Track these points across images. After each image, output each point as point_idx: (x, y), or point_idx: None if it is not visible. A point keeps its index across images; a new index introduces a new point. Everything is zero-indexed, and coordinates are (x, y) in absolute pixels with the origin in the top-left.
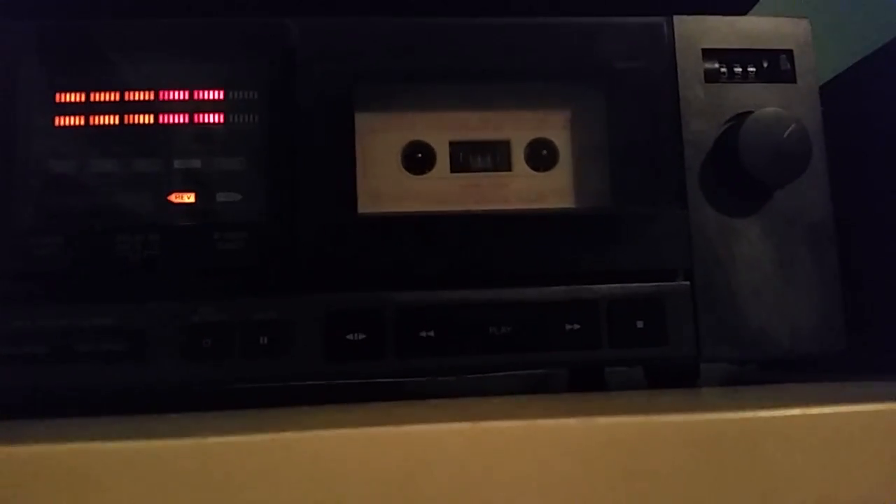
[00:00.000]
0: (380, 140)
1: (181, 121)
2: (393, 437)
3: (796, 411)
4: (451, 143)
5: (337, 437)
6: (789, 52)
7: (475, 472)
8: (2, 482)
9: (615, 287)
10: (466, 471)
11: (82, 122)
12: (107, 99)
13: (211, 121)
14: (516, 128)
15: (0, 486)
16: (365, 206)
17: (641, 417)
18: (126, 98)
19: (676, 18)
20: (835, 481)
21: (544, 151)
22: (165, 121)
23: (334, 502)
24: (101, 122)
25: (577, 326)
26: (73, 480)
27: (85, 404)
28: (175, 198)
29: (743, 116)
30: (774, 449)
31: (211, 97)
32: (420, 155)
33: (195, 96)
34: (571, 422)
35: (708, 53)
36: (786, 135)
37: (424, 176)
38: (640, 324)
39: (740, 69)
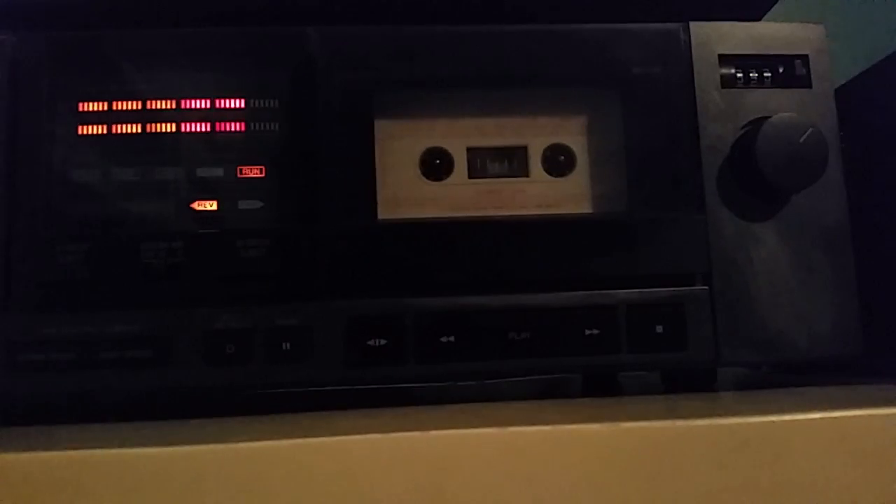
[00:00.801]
0: (399, 146)
1: (203, 129)
2: (421, 443)
3: (819, 415)
4: (469, 150)
5: (364, 443)
6: (804, 57)
7: (503, 477)
8: (25, 487)
9: (633, 292)
10: (494, 476)
11: (105, 131)
12: (129, 108)
13: (232, 129)
14: (533, 133)
15: (24, 492)
16: (384, 213)
17: (666, 422)
18: (148, 107)
19: (693, 25)
20: (860, 485)
21: (562, 157)
22: (187, 129)
23: None
24: (124, 131)
25: (595, 331)
26: (99, 485)
27: (110, 411)
28: (198, 206)
29: (759, 121)
30: (798, 453)
31: (232, 105)
32: (438, 161)
33: (216, 105)
34: (598, 427)
35: (724, 59)
36: (802, 140)
37: (442, 182)
38: (658, 328)
39: (756, 74)
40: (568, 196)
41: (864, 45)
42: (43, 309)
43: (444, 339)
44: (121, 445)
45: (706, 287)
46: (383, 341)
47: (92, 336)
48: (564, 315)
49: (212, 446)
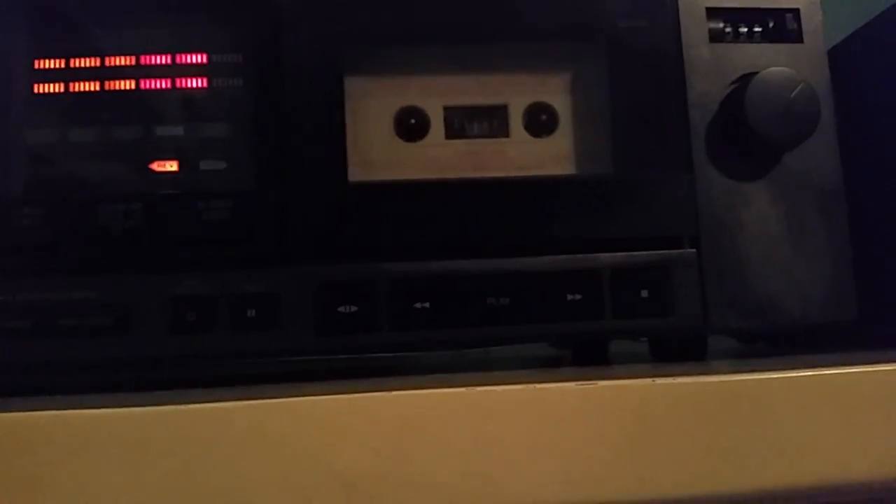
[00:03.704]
0: (371, 105)
1: (163, 86)
2: (383, 403)
3: (808, 373)
4: (446, 109)
5: (327, 402)
6: (795, 12)
7: (470, 438)
8: None
9: (618, 256)
10: (461, 437)
11: (62, 89)
12: (87, 65)
13: (194, 85)
14: (514, 92)
15: None
16: (355, 175)
17: (644, 381)
18: (106, 63)
19: None
20: (847, 443)
21: (543, 116)
22: (147, 86)
23: (325, 467)
24: (81, 89)
25: (578, 297)
26: (47, 447)
27: (69, 381)
28: (157, 166)
29: (749, 77)
30: (785, 412)
31: (194, 61)
32: (413, 121)
33: (177, 60)
34: (571, 386)
35: (712, 12)
36: (793, 95)
37: (418, 143)
38: (644, 293)
39: (745, 29)
40: (550, 157)
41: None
42: None
43: (418, 306)
44: (68, 407)
45: (694, 250)
46: (355, 308)
47: (48, 303)
48: (546, 280)
49: (163, 408)
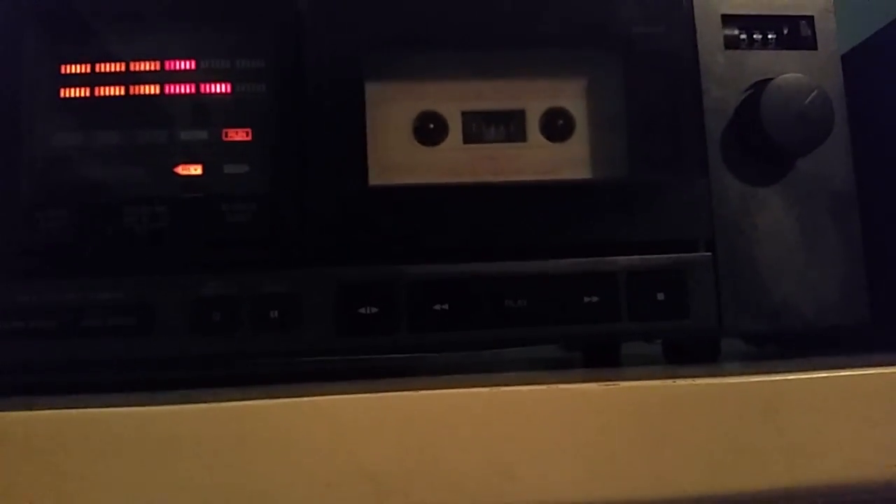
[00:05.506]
0: (391, 110)
1: (187, 91)
2: (410, 402)
3: (822, 374)
4: (464, 114)
5: (355, 402)
6: (810, 19)
7: (495, 436)
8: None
9: (634, 259)
10: (487, 435)
11: (87, 94)
12: (112, 70)
13: (217, 91)
14: (531, 97)
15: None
16: (375, 178)
17: (664, 382)
18: (131, 68)
19: None
20: (860, 443)
21: (560, 121)
22: (171, 91)
23: (354, 468)
24: (107, 94)
25: (595, 299)
26: (78, 445)
27: (93, 381)
28: (182, 170)
29: (763, 83)
30: (799, 413)
31: (217, 66)
32: (432, 125)
33: (201, 65)
34: (593, 386)
35: (727, 19)
36: (808, 101)
37: (436, 147)
38: (660, 296)
39: (760, 36)
40: (567, 161)
41: (872, 8)
42: (24, 276)
43: (437, 308)
44: (93, 405)
45: (709, 254)
46: (375, 309)
47: (74, 303)
48: (563, 282)
49: (188, 406)
